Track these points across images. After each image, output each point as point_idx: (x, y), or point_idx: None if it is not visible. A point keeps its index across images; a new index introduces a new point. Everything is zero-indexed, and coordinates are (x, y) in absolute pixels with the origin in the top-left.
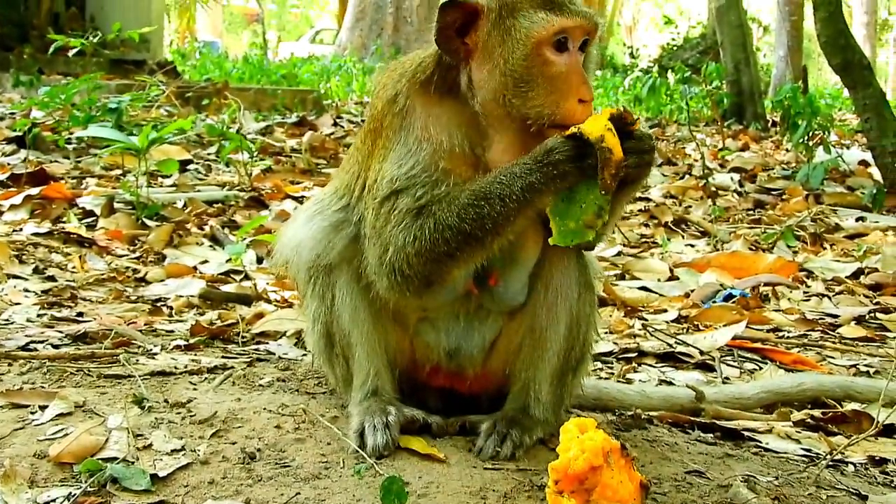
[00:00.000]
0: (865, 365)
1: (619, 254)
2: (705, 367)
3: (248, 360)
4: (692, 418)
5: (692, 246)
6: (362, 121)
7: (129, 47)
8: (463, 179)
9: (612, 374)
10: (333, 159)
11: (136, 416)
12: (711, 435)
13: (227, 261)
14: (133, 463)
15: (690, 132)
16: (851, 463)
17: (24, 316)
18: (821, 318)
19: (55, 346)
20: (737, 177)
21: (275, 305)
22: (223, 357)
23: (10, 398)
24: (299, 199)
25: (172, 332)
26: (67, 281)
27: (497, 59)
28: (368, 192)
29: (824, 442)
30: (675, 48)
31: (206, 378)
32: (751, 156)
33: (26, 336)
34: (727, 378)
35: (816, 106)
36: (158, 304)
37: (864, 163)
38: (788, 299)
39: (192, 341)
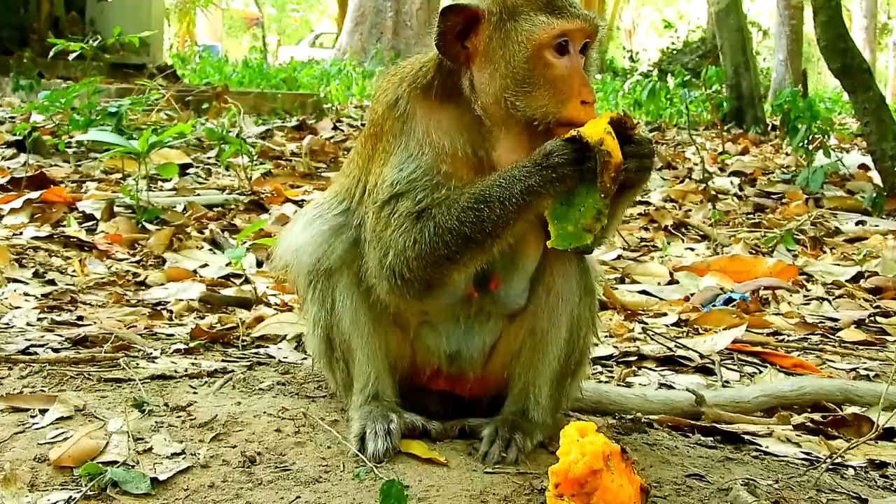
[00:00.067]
0: (865, 369)
1: (618, 257)
2: (705, 370)
3: (248, 363)
4: (692, 422)
5: (692, 249)
6: (362, 124)
7: (128, 51)
8: (464, 182)
9: (613, 377)
10: (333, 163)
11: (137, 420)
12: (711, 438)
13: (227, 264)
14: (133, 467)
15: (690, 136)
16: (851, 466)
17: (25, 320)
18: (821, 322)
19: (55, 350)
20: (737, 180)
21: (275, 309)
22: (223, 361)
23: (10, 402)
24: (299, 203)
25: (172, 335)
26: (67, 285)
27: (498, 63)
28: (369, 197)
29: (824, 445)
30: (674, 52)
31: (206, 382)
32: (751, 159)
33: (26, 340)
34: (727, 382)
35: (816, 110)
36: (158, 308)
37: (863, 166)
38: (788, 303)
39: (192, 345)
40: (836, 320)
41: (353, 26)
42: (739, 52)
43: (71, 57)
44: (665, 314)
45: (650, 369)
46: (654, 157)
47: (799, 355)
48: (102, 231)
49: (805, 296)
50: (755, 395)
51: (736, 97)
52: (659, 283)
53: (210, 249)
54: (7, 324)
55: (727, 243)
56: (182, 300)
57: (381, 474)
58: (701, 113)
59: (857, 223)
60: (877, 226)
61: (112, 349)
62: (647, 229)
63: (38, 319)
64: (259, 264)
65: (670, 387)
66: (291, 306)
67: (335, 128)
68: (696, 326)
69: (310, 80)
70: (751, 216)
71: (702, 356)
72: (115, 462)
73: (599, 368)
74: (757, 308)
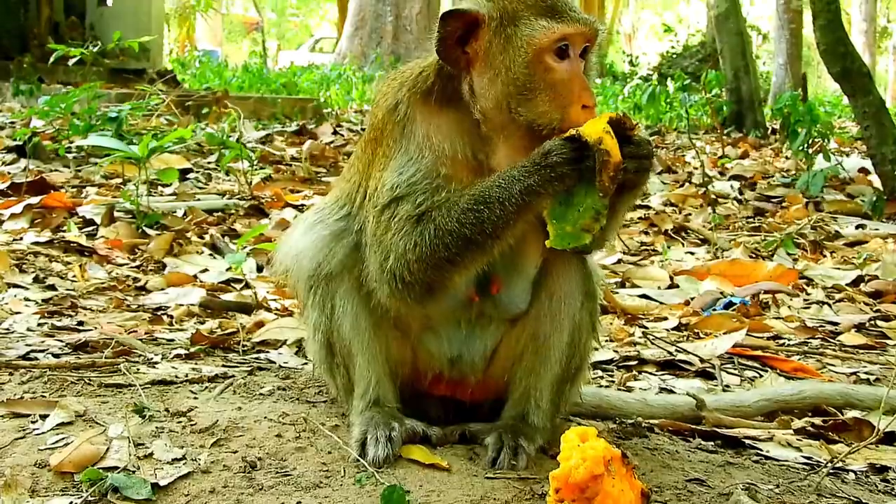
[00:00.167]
0: (866, 373)
1: (619, 262)
2: (706, 374)
3: (249, 368)
4: (693, 426)
5: (692, 254)
6: (362, 129)
7: (128, 56)
8: (465, 185)
9: (613, 382)
10: (333, 168)
11: (137, 425)
12: (712, 443)
13: (228, 269)
14: (134, 472)
15: (690, 140)
16: (852, 471)
17: (25, 325)
18: (821, 326)
19: (56, 356)
20: (736, 184)
21: (275, 314)
22: (224, 366)
23: (10, 407)
24: (299, 208)
25: (173, 340)
26: (68, 290)
27: (499, 67)
28: (369, 201)
29: (825, 450)
30: (674, 56)
31: (206, 387)
32: (750, 163)
33: (27, 345)
34: (728, 386)
35: (816, 114)
36: (159, 313)
37: (863, 170)
38: (789, 307)
39: (192, 350)
40: (836, 324)
41: (352, 31)
42: (739, 56)
43: (71, 62)
44: (665, 318)
45: (650, 373)
46: (653, 158)
47: (799, 359)
48: (103, 236)
49: (805, 300)
50: (756, 399)
51: (736, 101)
52: (659, 288)
53: (210, 254)
54: (7, 329)
55: (727, 247)
56: (182, 305)
57: (382, 479)
58: (701, 117)
59: (858, 227)
60: (877, 229)
61: (112, 354)
62: (647, 233)
63: (39, 325)
64: (259, 269)
65: (671, 391)
66: (292, 311)
67: (335, 132)
68: (696, 330)
69: (310, 84)
70: (751, 220)
71: (702, 360)
72: (116, 467)
73: (600, 373)
74: (757, 312)
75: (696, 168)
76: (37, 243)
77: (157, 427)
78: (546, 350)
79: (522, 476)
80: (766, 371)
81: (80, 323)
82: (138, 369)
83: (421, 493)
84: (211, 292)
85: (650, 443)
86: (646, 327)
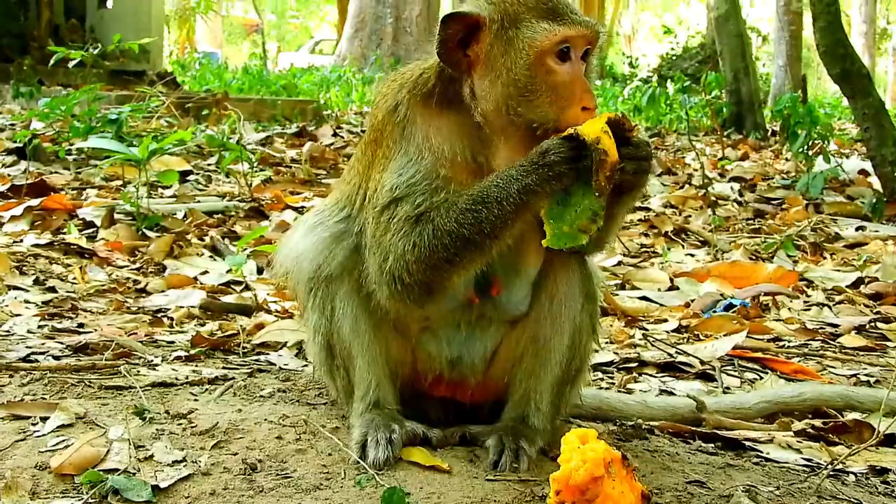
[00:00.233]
0: (866, 374)
1: (619, 263)
2: (706, 376)
3: (249, 370)
4: (693, 428)
5: (692, 255)
6: (362, 131)
7: (128, 58)
8: (464, 187)
9: (613, 384)
10: (333, 170)
11: (138, 428)
12: (712, 445)
13: (228, 271)
14: (134, 474)
15: (690, 142)
16: (852, 473)
17: (25, 327)
18: (821, 328)
19: (56, 358)
20: (736, 186)
21: (275, 316)
22: (224, 368)
23: (11, 409)
24: (299, 210)
25: (173, 342)
26: (68, 292)
27: (500, 70)
28: (369, 202)
29: (825, 452)
30: (674, 58)
31: (206, 389)
32: (750, 165)
33: (27, 347)
34: (728, 388)
35: (816, 115)
36: (159, 315)
37: (863, 172)
38: (789, 309)
39: (192, 352)
40: (836, 326)
41: (352, 33)
42: (739, 58)
43: (71, 64)
44: (665, 320)
45: (651, 375)
46: (651, 160)
47: (799, 361)
48: (103, 238)
49: (805, 301)
50: (756, 401)
51: (735, 103)
52: (659, 289)
53: (210, 256)
54: (8, 331)
55: (727, 249)
56: (182, 307)
57: (382, 481)
58: (701, 118)
59: (857, 229)
60: (877, 231)
61: (113, 356)
62: (647, 235)
63: (39, 327)
64: (259, 271)
65: (671, 393)
66: (292, 313)
67: (335, 134)
68: (696, 332)
69: (310, 86)
70: (751, 222)
71: (702, 362)
72: (117, 470)
73: (600, 375)
74: (757, 314)
75: (695, 170)
76: (37, 245)
77: (157, 429)
78: (546, 352)
79: (523, 478)
80: (767, 373)
81: (81, 325)
82: (138, 371)
83: (421, 495)
84: (211, 294)
85: (650, 445)
86: (646, 329)
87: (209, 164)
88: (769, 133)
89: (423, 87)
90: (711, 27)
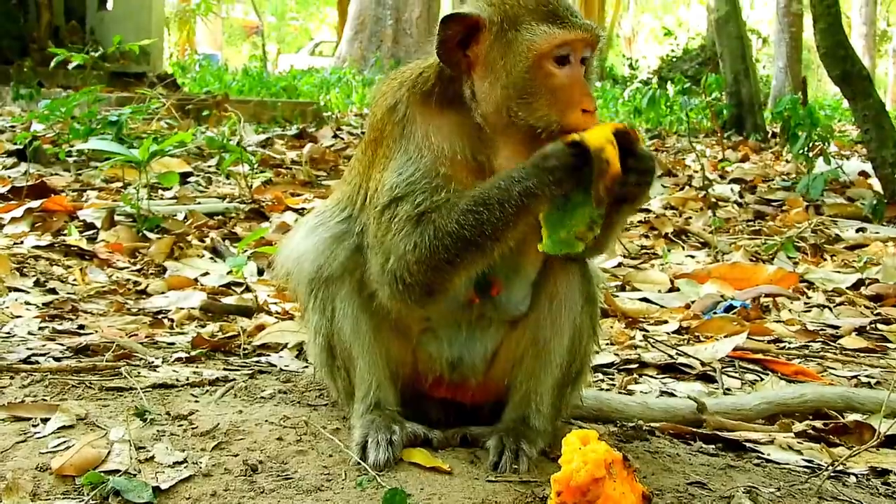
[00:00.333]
0: (867, 376)
1: (619, 265)
2: (706, 378)
3: (250, 372)
4: (694, 429)
5: (692, 257)
6: (362, 132)
7: (129, 60)
8: (465, 187)
9: (614, 385)
10: (333, 171)
11: (138, 429)
12: (713, 446)
13: (228, 273)
14: (135, 475)
15: (690, 143)
16: (853, 474)
17: (26, 329)
18: (822, 329)
19: (57, 359)
20: (737, 188)
21: (276, 317)
22: (224, 369)
23: (11, 411)
24: (300, 211)
25: (174, 344)
26: (68, 293)
27: (499, 72)
28: (370, 202)
29: (826, 453)
30: (674, 60)
31: (207, 390)
32: (751, 167)
33: (28, 349)
34: (728, 389)
35: (816, 117)
36: (159, 317)
37: (864, 174)
38: (789, 310)
39: (193, 353)
40: (836, 327)
41: (352, 34)
42: (739, 60)
43: (71, 66)
44: (666, 322)
45: (651, 377)
46: (654, 174)
47: (800, 363)
48: (103, 240)
49: (806, 303)
50: (756, 402)
51: (736, 104)
52: (660, 291)
53: (211, 258)
54: (8, 333)
55: (727, 251)
56: (183, 309)
57: (383, 483)
58: (701, 120)
59: (858, 230)
60: (877, 233)
61: (113, 358)
62: (647, 237)
63: (40, 328)
64: (260, 272)
65: (671, 394)
66: (292, 315)
67: (335, 136)
68: (696, 334)
69: (310, 88)
70: (751, 223)
71: (703, 364)
72: (117, 471)
73: (601, 376)
74: (758, 315)
75: (696, 171)
76: (37, 247)
77: (158, 430)
78: (546, 354)
79: (524, 479)
80: (767, 374)
81: (81, 326)
82: (139, 373)
83: (422, 496)
84: (212, 296)
85: (651, 446)
86: (646, 331)
87: (209, 166)
88: (769, 135)
89: (422, 87)
90: (711, 29)
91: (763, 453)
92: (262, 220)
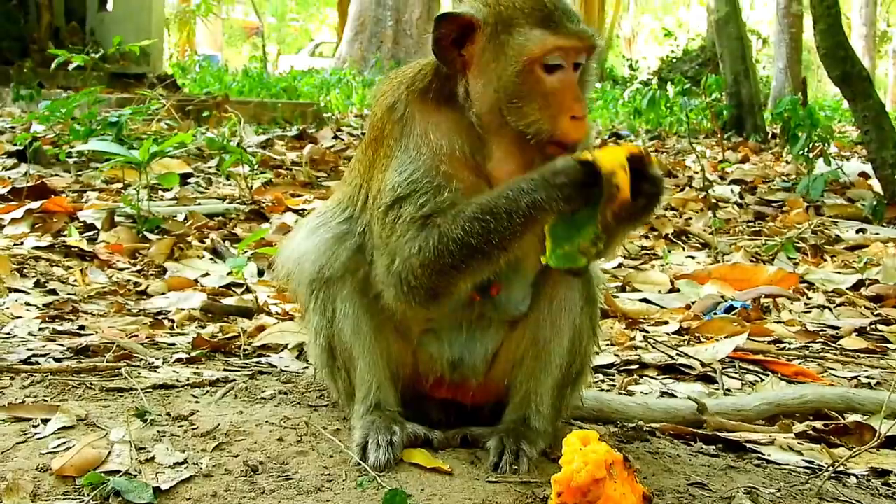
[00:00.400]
0: (867, 377)
1: (619, 266)
2: (707, 378)
3: (250, 373)
4: (694, 430)
5: (693, 258)
6: (362, 133)
7: (129, 61)
8: (465, 185)
9: (614, 386)
10: (334, 172)
11: (139, 430)
12: (713, 447)
13: (229, 274)
14: (136, 476)
15: (690, 144)
16: (854, 475)
17: (26, 329)
18: (822, 330)
19: (57, 360)
20: (737, 188)
21: (276, 318)
22: (225, 370)
23: (12, 412)
24: (300, 212)
25: (174, 345)
26: (69, 294)
27: (490, 74)
28: (373, 203)
29: (826, 454)
30: (674, 60)
31: (208, 391)
32: (751, 167)
33: (28, 350)
34: (729, 390)
35: (816, 118)
36: (160, 318)
37: (864, 174)
38: (789, 311)
39: (193, 354)
40: (837, 328)
41: (352, 35)
42: (739, 61)
43: (71, 67)
44: (666, 322)
45: (651, 378)
46: (663, 195)
47: (800, 363)
48: (103, 241)
49: (806, 304)
50: (757, 403)
51: (736, 105)
52: (660, 292)
53: (211, 259)
54: (8, 334)
55: (728, 251)
56: (183, 309)
57: (383, 483)
58: (701, 121)
59: (858, 231)
60: (877, 234)
61: (114, 359)
62: (647, 238)
63: (40, 329)
64: (260, 273)
65: (672, 395)
66: (293, 315)
67: (335, 137)
68: (697, 335)
69: (310, 89)
70: (751, 224)
71: (703, 364)
72: (118, 471)
73: (601, 377)
74: (758, 316)
75: (696, 172)
76: (38, 248)
77: (158, 431)
78: (546, 354)
79: (524, 480)
80: (768, 375)
81: (82, 327)
82: (139, 373)
83: (423, 496)
84: (212, 296)
85: (651, 447)
86: (647, 331)
87: (210, 167)
88: (769, 136)
89: (420, 83)
90: (711, 30)
91: (763, 454)
92: (263, 220)
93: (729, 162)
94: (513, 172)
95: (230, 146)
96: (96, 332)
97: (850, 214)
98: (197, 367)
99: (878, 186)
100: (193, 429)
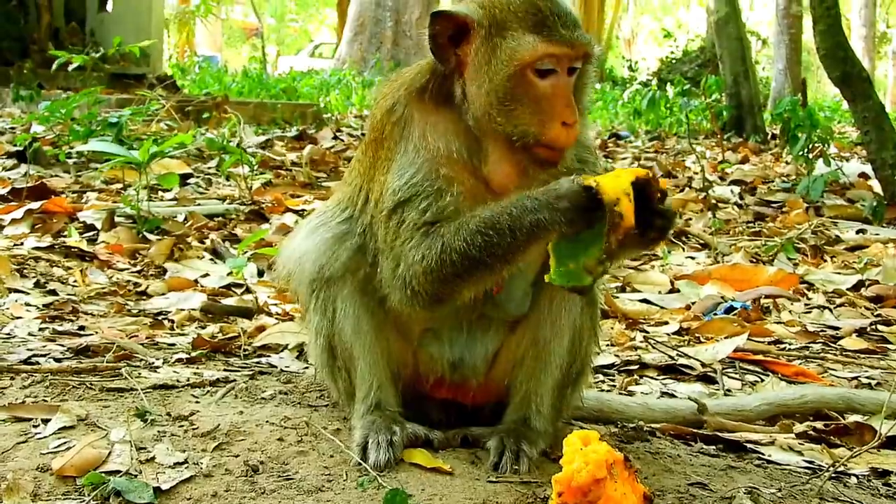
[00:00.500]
0: (867, 377)
1: (619, 266)
2: (707, 379)
3: (250, 373)
4: (694, 430)
5: (693, 258)
6: (362, 134)
7: (128, 62)
8: (465, 188)
9: (615, 386)
10: (333, 172)
11: (139, 430)
12: (714, 447)
13: (228, 274)
14: (136, 476)
15: (690, 145)
16: (854, 475)
17: (26, 330)
18: (822, 331)
19: (57, 360)
20: (737, 189)
21: (276, 318)
22: (225, 370)
23: (12, 412)
24: (300, 213)
25: (174, 345)
26: (69, 295)
27: (483, 77)
28: (375, 206)
29: (827, 454)
30: (674, 61)
31: (208, 391)
32: (750, 168)
33: (28, 350)
34: (729, 390)
35: (816, 118)
36: (160, 318)
37: (863, 175)
38: (789, 311)
39: (193, 354)
40: (837, 329)
41: (352, 36)
42: (739, 61)
43: (71, 67)
44: (666, 323)
45: (652, 378)
46: (673, 226)
47: (800, 364)
48: (103, 241)
49: (806, 304)
50: (757, 403)
51: (735, 106)
52: (660, 292)
53: (211, 259)
54: (9, 334)
55: (728, 252)
56: (183, 310)
57: (384, 483)
58: (700, 122)
59: (858, 232)
60: (877, 234)
61: (114, 359)
62: None
63: (40, 329)
64: (260, 274)
65: (672, 395)
66: (293, 316)
67: (335, 137)
68: (697, 335)
69: (309, 90)
70: (751, 225)
71: (703, 365)
72: (118, 471)
73: (601, 377)
74: (758, 317)
75: (696, 173)
76: (37, 248)
77: (158, 431)
78: (546, 355)
79: (525, 480)
80: (768, 375)
81: (82, 328)
82: (140, 374)
83: (423, 496)
84: (212, 297)
85: (652, 447)
86: (647, 332)
87: (209, 168)
88: (769, 136)
89: (418, 83)
90: (711, 31)
91: (764, 454)
92: (262, 221)
93: (729, 163)
94: (509, 174)
95: (230, 147)
96: (96, 333)
97: (849, 215)
98: (197, 368)
99: (877, 187)
100: (194, 429)
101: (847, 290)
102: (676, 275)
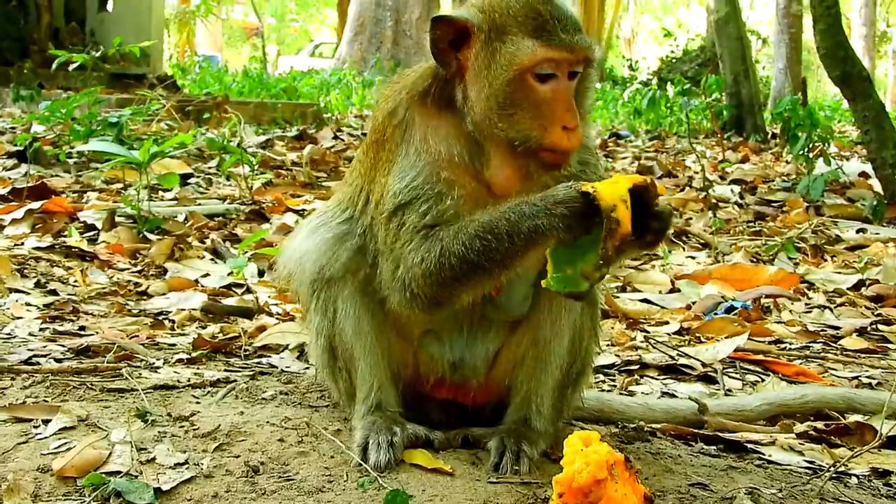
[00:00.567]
0: (868, 377)
1: (619, 267)
2: (707, 379)
3: (251, 373)
4: (695, 430)
5: (693, 258)
6: (363, 134)
7: (129, 62)
8: (466, 191)
9: (615, 386)
10: (334, 172)
11: (140, 430)
12: (714, 447)
13: (229, 274)
14: (136, 477)
15: (690, 144)
16: (855, 475)
17: (27, 330)
18: (822, 330)
19: (58, 360)
20: (737, 189)
21: (277, 319)
22: (226, 370)
23: (13, 412)
24: (300, 213)
25: (175, 345)
26: (69, 295)
27: (483, 82)
28: (375, 207)
29: (827, 454)
30: (674, 60)
31: (208, 391)
32: (751, 168)
33: (29, 350)
34: (729, 390)
35: (816, 118)
36: (160, 318)
37: (864, 174)
38: (790, 311)
39: (194, 355)
40: (837, 328)
41: (352, 36)
42: (739, 61)
43: (71, 67)
44: (667, 323)
45: (652, 378)
46: (670, 229)
47: (801, 363)
48: (104, 241)
49: (806, 304)
50: (757, 403)
51: (736, 105)
52: (660, 292)
53: (211, 259)
54: (9, 334)
55: (728, 251)
56: (184, 310)
57: (384, 484)
58: (701, 121)
59: (858, 231)
60: (877, 234)
61: (114, 359)
62: None
63: (41, 330)
64: (261, 274)
65: (673, 395)
66: (293, 316)
67: (335, 137)
68: (697, 335)
69: (310, 89)
70: (751, 224)
71: (704, 365)
72: (119, 472)
73: (602, 377)
74: (758, 316)
75: (696, 172)
76: (38, 248)
77: (159, 431)
78: (547, 355)
79: (525, 480)
80: (768, 375)
81: (82, 328)
82: (140, 374)
83: (424, 497)
84: (212, 297)
85: (652, 447)
86: (647, 332)
87: (210, 168)
88: (769, 136)
89: (420, 86)
90: (711, 30)
91: (764, 454)
92: (263, 221)
93: (729, 162)
94: (511, 178)
95: (230, 147)
96: (97, 333)
97: (850, 214)
98: (198, 368)
99: (878, 186)
100: (194, 429)
101: (847, 289)
102: (677, 274)
